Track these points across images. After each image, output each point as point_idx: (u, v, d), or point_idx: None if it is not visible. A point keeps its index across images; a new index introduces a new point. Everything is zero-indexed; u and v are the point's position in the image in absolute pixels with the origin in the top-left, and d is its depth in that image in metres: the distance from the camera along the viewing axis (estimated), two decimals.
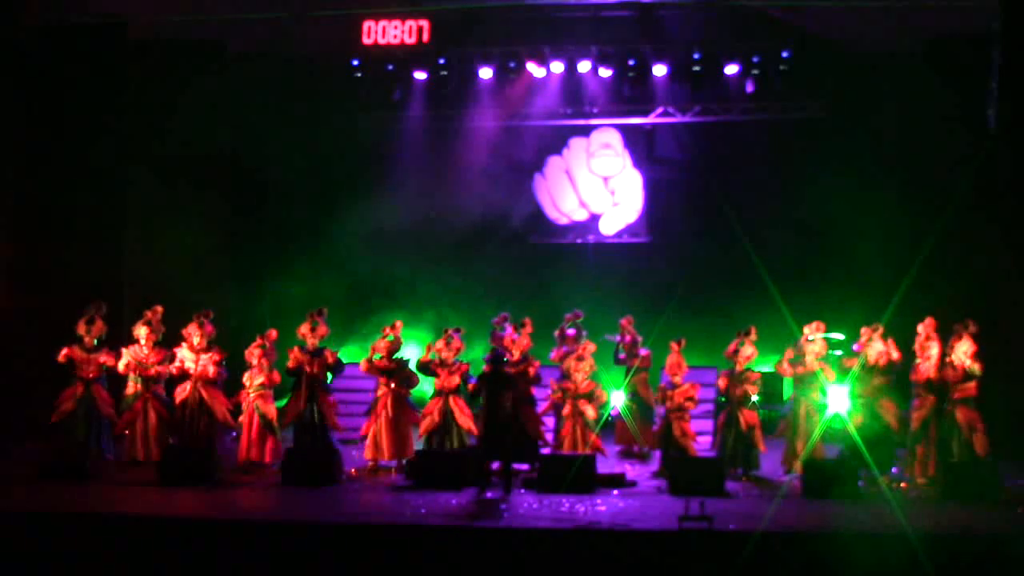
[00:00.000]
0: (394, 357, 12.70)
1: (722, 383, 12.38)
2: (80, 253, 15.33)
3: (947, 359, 11.63)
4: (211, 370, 12.60)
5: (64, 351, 12.76)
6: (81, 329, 12.84)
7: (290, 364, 12.63)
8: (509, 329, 13.64)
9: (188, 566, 9.37)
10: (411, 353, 13.54)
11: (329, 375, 12.76)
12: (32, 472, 11.69)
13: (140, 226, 16.14)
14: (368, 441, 12.51)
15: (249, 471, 12.30)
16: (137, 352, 12.91)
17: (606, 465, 12.37)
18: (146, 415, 12.82)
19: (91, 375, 12.82)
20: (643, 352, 13.79)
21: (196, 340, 12.73)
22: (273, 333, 12.87)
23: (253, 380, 12.60)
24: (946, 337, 11.77)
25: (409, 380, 12.73)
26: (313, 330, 12.68)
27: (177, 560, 9.36)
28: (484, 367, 11.78)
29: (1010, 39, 14.49)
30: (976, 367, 11.50)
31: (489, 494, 11.07)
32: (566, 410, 12.51)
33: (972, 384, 11.54)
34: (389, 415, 12.48)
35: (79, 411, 12.74)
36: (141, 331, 13.00)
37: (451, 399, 12.44)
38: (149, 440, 12.78)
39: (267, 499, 11.06)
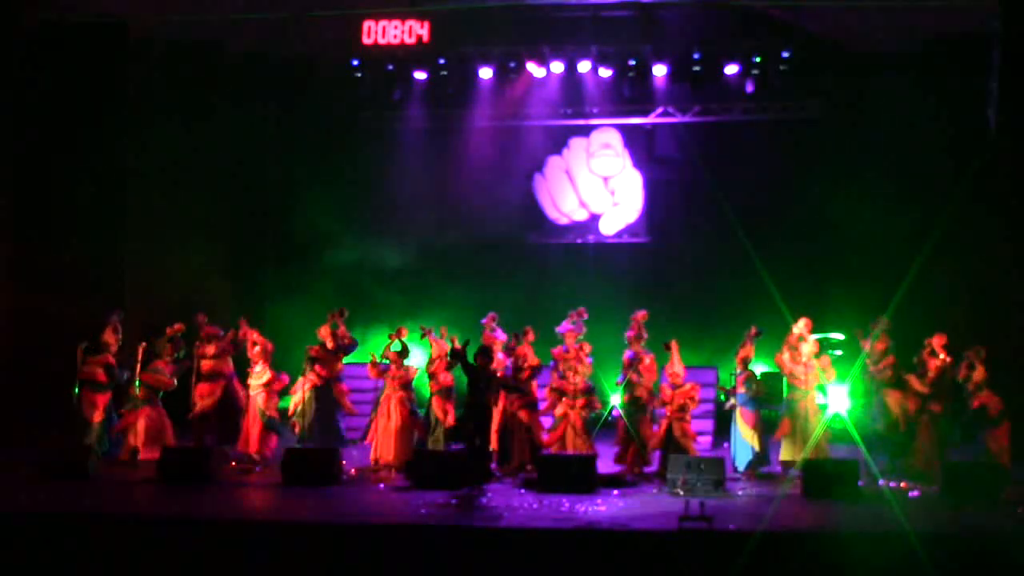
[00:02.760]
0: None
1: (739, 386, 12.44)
2: (80, 253, 15.33)
3: (969, 386, 11.90)
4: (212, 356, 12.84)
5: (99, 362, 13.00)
6: (109, 338, 13.07)
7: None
8: (500, 330, 13.64)
9: (188, 566, 9.37)
10: (416, 356, 13.54)
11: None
12: (32, 472, 11.70)
13: (140, 226, 16.12)
14: (374, 443, 12.53)
15: (248, 468, 12.31)
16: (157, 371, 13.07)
17: (606, 465, 12.37)
18: (145, 415, 12.86)
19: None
20: (647, 358, 13.72)
21: (211, 351, 12.95)
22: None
23: (256, 378, 12.65)
24: (952, 352, 11.97)
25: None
26: (333, 332, 12.87)
27: (177, 560, 9.36)
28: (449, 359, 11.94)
29: (1010, 39, 14.50)
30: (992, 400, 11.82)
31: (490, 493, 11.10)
32: (560, 410, 12.50)
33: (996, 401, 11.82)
34: (392, 416, 12.51)
35: (88, 413, 12.89)
36: (162, 348, 13.17)
37: (435, 399, 12.66)
38: (147, 440, 12.82)
39: (267, 499, 11.06)
